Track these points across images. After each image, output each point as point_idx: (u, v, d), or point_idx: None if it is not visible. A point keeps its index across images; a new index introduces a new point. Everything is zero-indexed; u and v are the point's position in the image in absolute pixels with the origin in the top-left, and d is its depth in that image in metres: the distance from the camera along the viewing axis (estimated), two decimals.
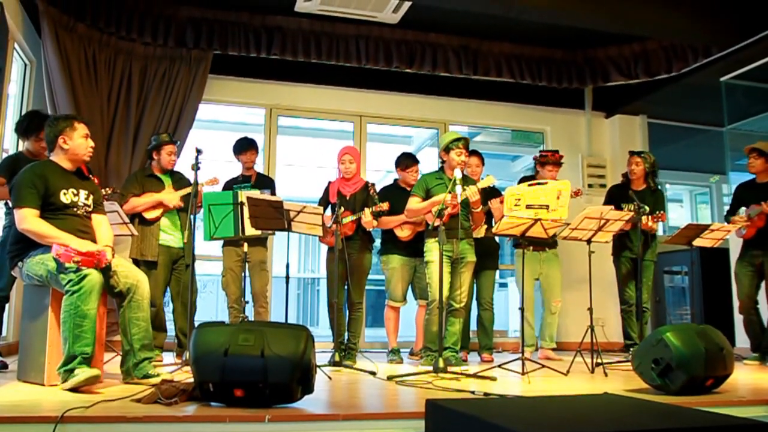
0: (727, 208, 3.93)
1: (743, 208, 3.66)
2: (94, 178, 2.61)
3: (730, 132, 4.54)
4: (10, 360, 2.84)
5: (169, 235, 3.39)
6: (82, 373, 2.09)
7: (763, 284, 3.67)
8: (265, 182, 3.71)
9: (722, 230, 3.48)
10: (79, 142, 2.39)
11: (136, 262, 3.15)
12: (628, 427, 1.37)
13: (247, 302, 3.19)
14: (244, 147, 3.68)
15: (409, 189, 3.65)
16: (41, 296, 2.36)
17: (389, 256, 3.62)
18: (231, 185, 3.65)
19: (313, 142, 6.70)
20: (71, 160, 2.42)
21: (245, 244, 3.17)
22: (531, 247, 3.77)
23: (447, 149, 3.18)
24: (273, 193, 3.57)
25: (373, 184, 3.55)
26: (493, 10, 3.73)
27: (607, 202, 3.76)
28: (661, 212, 3.56)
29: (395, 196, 3.50)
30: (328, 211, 3.52)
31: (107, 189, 3.20)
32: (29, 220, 2.26)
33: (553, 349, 3.88)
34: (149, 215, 3.33)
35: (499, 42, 4.68)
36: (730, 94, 4.50)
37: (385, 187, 3.86)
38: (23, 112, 3.77)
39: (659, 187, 3.91)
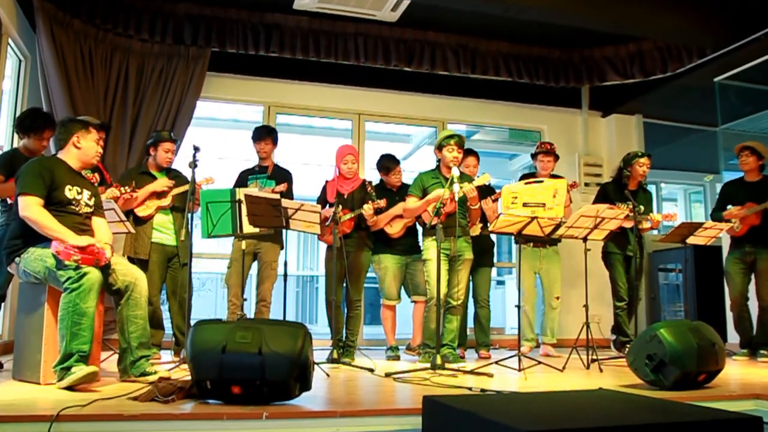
0: None
1: (730, 206, 3.70)
2: (106, 175, 2.62)
3: (724, 132, 4.57)
4: (5, 359, 2.83)
5: (163, 233, 3.36)
6: (79, 370, 2.08)
7: (752, 280, 3.71)
8: (283, 175, 3.55)
9: (715, 228, 3.52)
10: (90, 144, 2.48)
11: (131, 261, 3.14)
12: (622, 421, 1.39)
13: (245, 299, 3.18)
14: (261, 135, 3.55)
15: (395, 190, 3.67)
16: (37, 294, 2.35)
17: (380, 256, 3.62)
18: (246, 176, 3.58)
19: (311, 140, 6.69)
20: (80, 159, 2.48)
21: (257, 240, 3.09)
22: (531, 244, 3.79)
23: (440, 147, 3.24)
24: (290, 187, 3.48)
25: (370, 182, 3.55)
26: (491, 9, 3.75)
27: (601, 200, 3.79)
28: (674, 213, 3.70)
29: (382, 197, 3.45)
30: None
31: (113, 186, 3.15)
32: (32, 208, 2.26)
33: (553, 345, 3.91)
34: (142, 213, 3.30)
35: (496, 41, 4.69)
36: (723, 94, 4.53)
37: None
38: (18, 109, 3.74)
39: (647, 186, 3.99)
